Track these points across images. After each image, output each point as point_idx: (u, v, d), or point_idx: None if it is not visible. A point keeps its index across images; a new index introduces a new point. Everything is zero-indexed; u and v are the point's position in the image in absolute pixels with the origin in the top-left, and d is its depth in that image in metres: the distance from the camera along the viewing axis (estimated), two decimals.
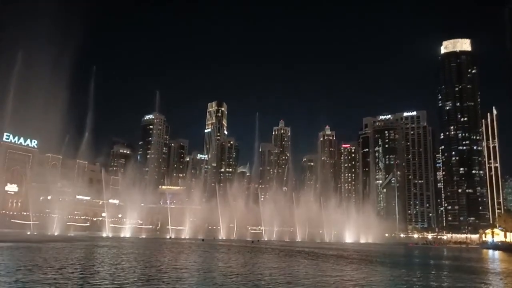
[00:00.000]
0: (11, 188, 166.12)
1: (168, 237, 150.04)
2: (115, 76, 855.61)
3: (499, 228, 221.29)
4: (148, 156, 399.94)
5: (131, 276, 31.66)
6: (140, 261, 46.23)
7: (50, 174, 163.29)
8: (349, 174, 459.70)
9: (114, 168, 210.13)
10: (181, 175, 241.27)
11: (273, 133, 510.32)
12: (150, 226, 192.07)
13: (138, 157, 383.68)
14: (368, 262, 56.74)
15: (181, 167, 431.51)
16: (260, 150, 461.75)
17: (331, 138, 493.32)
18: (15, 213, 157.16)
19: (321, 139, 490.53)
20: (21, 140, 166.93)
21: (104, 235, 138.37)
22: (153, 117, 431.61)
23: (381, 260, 65.30)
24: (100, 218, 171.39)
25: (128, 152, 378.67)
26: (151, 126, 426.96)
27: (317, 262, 52.24)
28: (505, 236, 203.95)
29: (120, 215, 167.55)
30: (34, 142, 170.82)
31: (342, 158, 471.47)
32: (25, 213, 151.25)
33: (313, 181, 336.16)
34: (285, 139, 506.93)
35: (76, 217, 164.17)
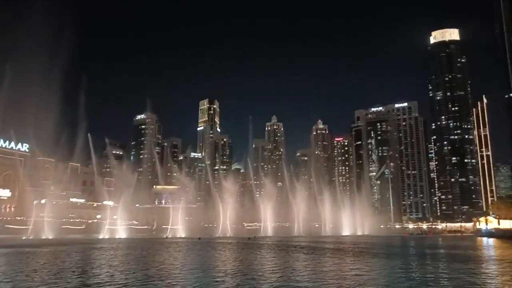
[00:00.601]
0: (4, 193, 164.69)
1: (164, 236, 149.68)
2: (106, 76, 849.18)
3: (493, 215, 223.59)
4: (141, 156, 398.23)
5: (131, 276, 31.57)
6: (139, 261, 46.06)
7: (43, 177, 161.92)
8: (343, 167, 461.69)
9: (108, 170, 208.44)
10: (175, 174, 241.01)
11: (266, 129, 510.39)
12: (146, 227, 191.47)
13: (131, 158, 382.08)
14: (365, 254, 57.06)
15: (175, 166, 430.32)
16: (253, 146, 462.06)
17: (324, 132, 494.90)
18: (9, 218, 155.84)
19: (314, 133, 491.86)
20: (12, 144, 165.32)
21: (100, 237, 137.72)
22: (145, 116, 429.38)
23: (378, 251, 65.70)
24: (95, 220, 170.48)
25: (121, 153, 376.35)
26: (143, 126, 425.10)
27: (315, 256, 52.43)
28: (499, 223, 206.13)
29: (115, 217, 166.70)
30: (26, 146, 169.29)
31: (335, 151, 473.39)
32: (19, 218, 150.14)
33: (308, 175, 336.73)
34: (278, 134, 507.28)
35: (71, 220, 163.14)
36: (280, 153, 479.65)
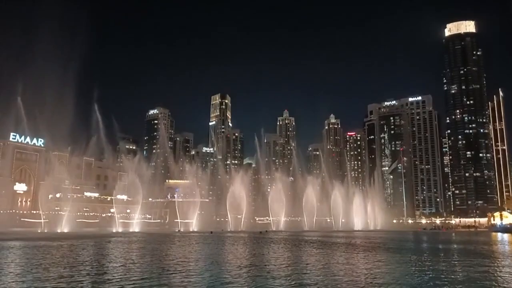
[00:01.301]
0: (20, 187, 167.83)
1: (177, 230, 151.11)
2: (119, 71, 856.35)
3: (508, 210, 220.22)
4: (154, 151, 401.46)
5: (147, 270, 32.02)
6: (153, 255, 46.61)
7: (57, 172, 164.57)
8: (355, 162, 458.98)
9: (121, 164, 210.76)
10: (187, 168, 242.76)
11: (278, 123, 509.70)
12: (159, 220, 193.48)
13: (144, 152, 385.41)
14: (378, 249, 56.83)
15: (187, 160, 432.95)
16: (265, 141, 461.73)
17: (336, 126, 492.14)
18: (24, 212, 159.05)
19: (326, 127, 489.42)
20: (28, 139, 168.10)
21: (113, 230, 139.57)
22: (157, 111, 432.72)
23: (390, 246, 65.40)
24: (109, 214, 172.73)
25: (134, 147, 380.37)
26: (155, 121, 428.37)
27: (327, 251, 52.41)
28: None
29: (128, 210, 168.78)
30: (41, 141, 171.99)
31: (347, 146, 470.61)
32: (34, 212, 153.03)
33: (319, 170, 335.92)
34: (290, 129, 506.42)
35: (85, 214, 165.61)
36: (291, 147, 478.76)
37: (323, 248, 56.95)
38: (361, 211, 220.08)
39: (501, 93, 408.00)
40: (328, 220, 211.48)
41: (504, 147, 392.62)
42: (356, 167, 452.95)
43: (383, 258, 43.68)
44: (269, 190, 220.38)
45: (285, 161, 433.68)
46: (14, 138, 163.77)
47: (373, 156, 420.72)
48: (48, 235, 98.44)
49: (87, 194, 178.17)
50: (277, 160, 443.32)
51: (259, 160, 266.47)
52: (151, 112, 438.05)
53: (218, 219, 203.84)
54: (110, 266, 35.15)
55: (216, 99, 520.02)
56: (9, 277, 27.89)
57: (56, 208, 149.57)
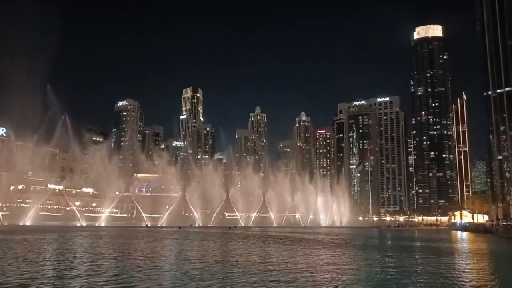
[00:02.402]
0: None
1: (144, 225, 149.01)
2: (88, 61, 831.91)
3: (467, 210, 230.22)
4: (122, 143, 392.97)
5: (118, 266, 31.48)
6: (122, 251, 45.86)
7: (20, 162, 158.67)
8: (324, 160, 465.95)
9: (87, 156, 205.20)
10: (156, 162, 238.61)
11: (250, 119, 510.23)
12: (125, 215, 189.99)
13: (112, 145, 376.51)
14: (342, 246, 58.08)
15: (156, 154, 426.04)
16: (236, 136, 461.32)
17: (307, 124, 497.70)
18: None
19: (297, 125, 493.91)
20: None
21: (78, 224, 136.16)
22: (126, 103, 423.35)
23: (355, 243, 67.00)
24: (74, 207, 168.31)
25: (101, 139, 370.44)
26: (124, 113, 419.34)
27: (293, 247, 53.12)
28: (473, 218, 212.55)
29: (94, 204, 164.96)
30: (3, 130, 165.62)
31: (317, 143, 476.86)
32: None
33: (289, 167, 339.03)
34: (262, 125, 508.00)
35: (49, 207, 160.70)
36: (263, 143, 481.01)
37: (290, 245, 57.69)
38: (328, 208, 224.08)
39: (464, 97, 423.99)
40: (297, 216, 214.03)
41: (466, 149, 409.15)
42: (325, 165, 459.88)
43: (349, 256, 44.74)
44: (239, 185, 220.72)
45: (256, 157, 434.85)
46: None
47: (341, 154, 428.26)
48: (9, 228, 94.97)
49: (51, 186, 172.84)
50: (248, 156, 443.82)
51: (230, 155, 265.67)
52: (120, 103, 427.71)
53: (186, 214, 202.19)
54: (77, 261, 34.38)
55: (187, 93, 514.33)
56: None
57: (18, 200, 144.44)
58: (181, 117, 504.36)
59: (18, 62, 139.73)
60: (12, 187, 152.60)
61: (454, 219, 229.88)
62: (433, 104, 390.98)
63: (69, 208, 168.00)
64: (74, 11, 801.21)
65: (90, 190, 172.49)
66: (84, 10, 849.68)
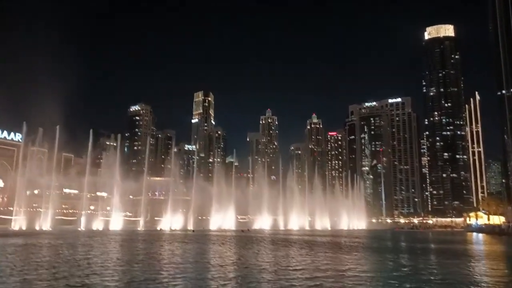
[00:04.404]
0: None
1: (158, 228, 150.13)
2: (101, 67, 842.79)
3: (483, 211, 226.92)
4: (135, 147, 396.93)
5: (150, 270, 31.93)
6: (144, 255, 46.47)
7: (36, 168, 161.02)
8: (336, 162, 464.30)
9: (101, 161, 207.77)
10: (169, 166, 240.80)
11: (261, 122, 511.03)
12: (139, 218, 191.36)
13: (125, 149, 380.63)
14: (359, 249, 58.02)
15: (168, 158, 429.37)
16: (247, 139, 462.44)
17: (318, 126, 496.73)
18: (1, 208, 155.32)
19: (308, 127, 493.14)
20: (5, 134, 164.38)
21: (94, 228, 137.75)
22: (139, 108, 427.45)
23: (370, 246, 66.81)
24: (89, 211, 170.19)
25: (114, 144, 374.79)
26: (137, 117, 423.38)
27: (308, 251, 53.29)
28: (488, 219, 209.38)
29: (108, 208, 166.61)
30: (19, 136, 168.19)
31: (329, 145, 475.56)
32: (11, 208, 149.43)
33: (301, 169, 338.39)
34: (273, 128, 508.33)
35: (65, 211, 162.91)
36: (274, 146, 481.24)
37: (305, 248, 57.83)
38: (341, 210, 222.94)
39: (477, 96, 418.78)
40: (309, 219, 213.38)
41: (480, 149, 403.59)
42: (337, 167, 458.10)
43: (361, 258, 44.76)
44: (251, 188, 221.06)
45: (268, 159, 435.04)
46: None
47: (353, 156, 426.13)
48: (29, 233, 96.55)
49: (66, 190, 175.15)
50: (259, 159, 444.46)
51: (241, 158, 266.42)
52: (133, 108, 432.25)
53: (200, 217, 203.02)
54: (106, 266, 34.92)
55: (199, 97, 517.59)
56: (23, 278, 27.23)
57: (34, 205, 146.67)
58: (193, 121, 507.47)
59: (30, 68, 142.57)
60: (28, 192, 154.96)
61: (469, 220, 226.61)
62: (446, 105, 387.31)
63: (84, 212, 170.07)
64: (86, 17, 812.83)
65: (105, 194, 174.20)
66: (97, 16, 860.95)
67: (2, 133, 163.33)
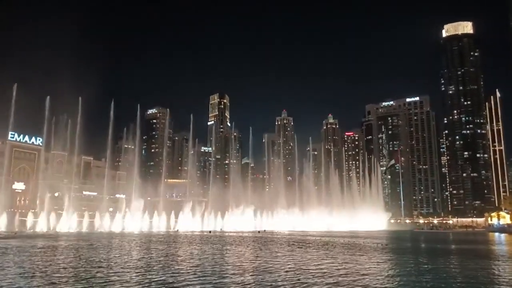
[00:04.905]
0: (19, 186, 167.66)
1: (176, 230, 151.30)
2: (117, 71, 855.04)
3: (505, 211, 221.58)
4: (153, 150, 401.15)
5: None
6: (173, 255, 46.80)
7: (56, 171, 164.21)
8: (353, 162, 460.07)
9: (119, 163, 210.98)
10: (185, 168, 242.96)
11: (276, 123, 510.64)
12: (157, 220, 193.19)
13: (143, 152, 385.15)
14: (380, 250, 57.28)
15: (185, 160, 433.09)
16: (264, 140, 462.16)
17: (334, 126, 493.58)
18: (22, 210, 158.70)
19: (324, 127, 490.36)
20: (26, 138, 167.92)
21: (114, 230, 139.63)
22: (156, 111, 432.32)
23: (391, 247, 65.90)
24: (108, 214, 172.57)
25: (132, 147, 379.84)
26: (154, 120, 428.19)
27: (326, 252, 52.85)
28: (511, 219, 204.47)
29: (127, 210, 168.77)
30: (39, 140, 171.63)
31: (345, 146, 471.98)
32: (33, 211, 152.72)
33: (317, 170, 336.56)
34: (288, 128, 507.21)
35: (84, 213, 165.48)
36: (290, 147, 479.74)
37: (322, 250, 57.35)
38: (359, 211, 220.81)
39: (498, 94, 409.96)
40: (327, 219, 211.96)
41: (501, 148, 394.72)
42: (354, 167, 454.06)
43: (387, 260, 44.14)
44: (267, 189, 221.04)
45: (284, 160, 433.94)
46: (13, 137, 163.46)
47: (371, 156, 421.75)
48: (49, 235, 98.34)
49: (86, 193, 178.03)
50: (275, 160, 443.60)
51: (257, 159, 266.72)
52: (150, 111, 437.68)
53: (216, 219, 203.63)
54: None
55: (214, 99, 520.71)
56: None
57: (54, 207, 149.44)
58: (209, 123, 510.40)
59: (48, 71, 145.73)
60: (49, 195, 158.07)
61: (491, 220, 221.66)
62: (465, 103, 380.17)
63: (103, 214, 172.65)
64: (98, 17, 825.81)
65: (123, 196, 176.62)
66: (113, 17, 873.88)
67: (23, 137, 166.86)
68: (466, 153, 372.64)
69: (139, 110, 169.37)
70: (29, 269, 30.53)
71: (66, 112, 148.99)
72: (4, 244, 58.07)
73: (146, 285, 24.53)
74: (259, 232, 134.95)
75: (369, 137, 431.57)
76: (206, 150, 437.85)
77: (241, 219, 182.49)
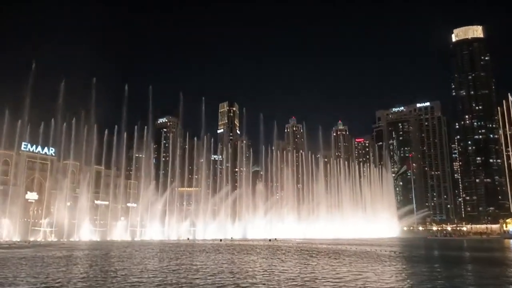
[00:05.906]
0: (32, 196, 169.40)
1: (187, 238, 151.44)
2: (126, 79, 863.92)
3: None
4: (163, 159, 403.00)
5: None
6: (190, 266, 46.74)
7: (68, 180, 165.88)
8: (364, 169, 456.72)
9: (130, 172, 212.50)
10: (196, 176, 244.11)
11: (286, 130, 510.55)
12: (168, 228, 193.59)
13: (154, 160, 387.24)
14: (397, 259, 56.63)
15: (195, 168, 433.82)
16: (273, 147, 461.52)
17: (344, 133, 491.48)
18: (36, 220, 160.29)
19: (334, 134, 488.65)
20: (39, 148, 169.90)
21: (126, 238, 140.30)
22: (166, 120, 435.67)
23: (405, 255, 65.07)
24: (120, 222, 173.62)
25: (143, 155, 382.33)
26: (164, 129, 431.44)
27: (339, 261, 52.39)
28: None
29: (139, 219, 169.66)
30: (52, 150, 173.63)
31: (356, 152, 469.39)
32: (46, 221, 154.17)
33: (327, 177, 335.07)
34: (298, 136, 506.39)
35: (96, 222, 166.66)
36: (299, 154, 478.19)
37: (334, 258, 56.87)
38: (371, 218, 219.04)
39: (510, 98, 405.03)
40: (339, 228, 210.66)
41: None
42: (364, 174, 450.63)
43: (404, 269, 43.60)
44: (277, 197, 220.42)
45: (293, 167, 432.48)
46: (26, 148, 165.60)
47: (381, 163, 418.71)
48: (61, 244, 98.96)
49: (98, 202, 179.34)
50: (285, 167, 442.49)
51: (267, 167, 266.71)
52: (160, 120, 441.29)
53: (226, 226, 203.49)
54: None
55: (224, 107, 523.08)
56: None
57: (67, 217, 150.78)
58: (218, 131, 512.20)
59: (61, 81, 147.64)
60: (61, 204, 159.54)
61: (506, 227, 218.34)
62: (477, 108, 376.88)
63: (115, 223, 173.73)
64: (109, 27, 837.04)
65: (134, 205, 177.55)
66: (121, 26, 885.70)
67: (36, 148, 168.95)
68: (478, 158, 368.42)
69: (150, 119, 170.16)
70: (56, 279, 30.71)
71: (77, 121, 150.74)
72: (20, 254, 58.59)
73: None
74: (269, 240, 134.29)
75: (380, 143, 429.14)
76: (217, 158, 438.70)
77: (252, 227, 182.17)
